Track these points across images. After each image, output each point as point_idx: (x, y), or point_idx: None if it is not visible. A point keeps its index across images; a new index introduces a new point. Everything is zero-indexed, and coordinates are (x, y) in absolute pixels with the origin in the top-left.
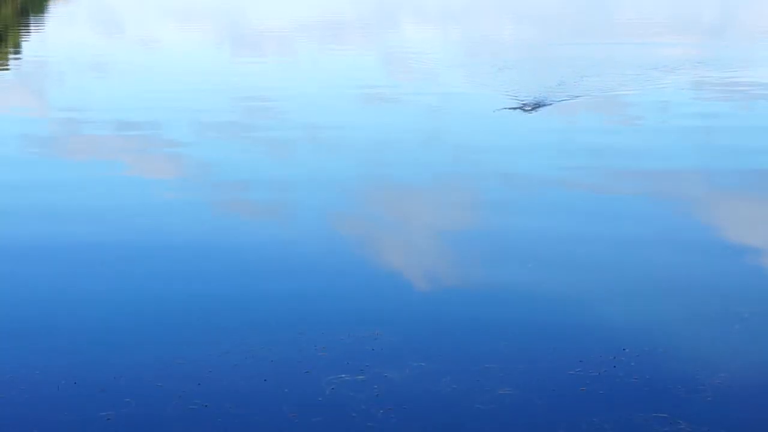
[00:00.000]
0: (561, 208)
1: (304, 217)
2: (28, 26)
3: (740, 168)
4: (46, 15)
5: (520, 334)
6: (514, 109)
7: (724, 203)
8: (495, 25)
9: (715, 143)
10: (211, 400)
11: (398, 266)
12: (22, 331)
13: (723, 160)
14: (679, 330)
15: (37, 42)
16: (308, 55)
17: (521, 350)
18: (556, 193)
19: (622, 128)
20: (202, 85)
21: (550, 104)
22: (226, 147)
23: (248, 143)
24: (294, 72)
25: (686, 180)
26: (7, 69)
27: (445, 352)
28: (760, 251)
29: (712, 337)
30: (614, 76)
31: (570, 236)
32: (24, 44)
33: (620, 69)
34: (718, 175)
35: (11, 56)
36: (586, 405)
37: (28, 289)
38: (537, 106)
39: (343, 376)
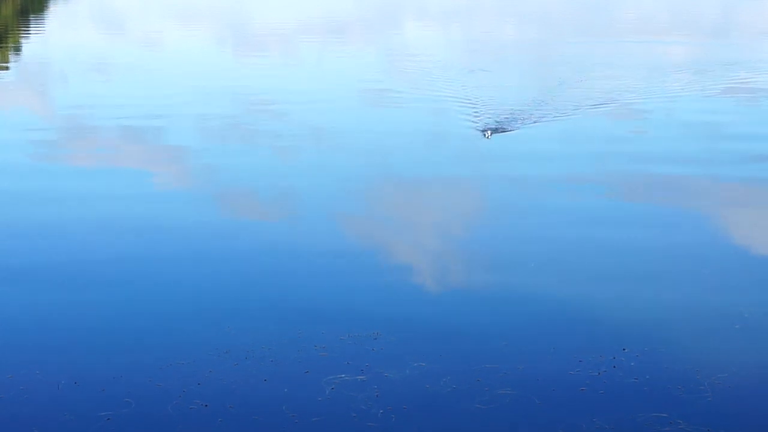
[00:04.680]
0: (561, 211)
1: (304, 218)
2: (28, 26)
3: (744, 169)
4: (46, 15)
5: (520, 334)
6: (515, 109)
7: (725, 205)
8: (496, 25)
9: (720, 144)
10: (211, 400)
11: (398, 267)
12: (23, 330)
13: (727, 162)
14: (679, 330)
15: (38, 42)
16: (310, 55)
17: (521, 350)
18: (557, 194)
19: (626, 126)
20: (204, 82)
21: (549, 105)
22: (228, 146)
23: (250, 142)
24: (296, 71)
25: (688, 184)
26: (7, 69)
27: (445, 352)
28: (760, 252)
29: (712, 337)
30: (616, 77)
31: (571, 238)
32: (24, 44)
33: (620, 69)
34: (720, 179)
35: (11, 56)
36: (586, 405)
37: (27, 288)
38: (537, 107)
39: (343, 376)
